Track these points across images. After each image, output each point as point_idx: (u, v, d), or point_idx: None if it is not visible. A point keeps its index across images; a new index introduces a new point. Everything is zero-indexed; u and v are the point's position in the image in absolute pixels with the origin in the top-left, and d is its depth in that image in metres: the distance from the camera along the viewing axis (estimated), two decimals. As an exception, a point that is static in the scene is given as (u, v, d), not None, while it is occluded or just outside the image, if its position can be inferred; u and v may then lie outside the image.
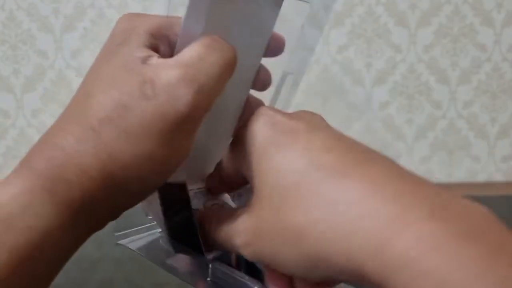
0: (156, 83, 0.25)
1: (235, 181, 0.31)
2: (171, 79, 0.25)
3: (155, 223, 0.36)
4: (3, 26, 0.89)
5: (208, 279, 0.32)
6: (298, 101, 0.92)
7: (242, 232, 0.27)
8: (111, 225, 0.75)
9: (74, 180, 0.25)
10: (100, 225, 0.29)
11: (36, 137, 0.93)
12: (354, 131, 0.93)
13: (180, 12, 0.28)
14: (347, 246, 0.22)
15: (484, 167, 0.95)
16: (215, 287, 0.31)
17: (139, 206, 0.32)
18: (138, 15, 0.30)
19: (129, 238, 0.35)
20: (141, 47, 0.27)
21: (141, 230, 0.36)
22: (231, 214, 0.29)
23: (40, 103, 0.92)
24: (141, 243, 0.35)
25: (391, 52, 0.90)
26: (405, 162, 0.77)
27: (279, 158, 0.26)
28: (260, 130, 0.28)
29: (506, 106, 0.93)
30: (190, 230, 0.32)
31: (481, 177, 0.95)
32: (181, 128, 0.26)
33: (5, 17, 0.89)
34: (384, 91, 0.92)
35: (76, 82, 0.91)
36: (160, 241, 0.36)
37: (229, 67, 0.27)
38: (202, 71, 0.26)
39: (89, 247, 0.63)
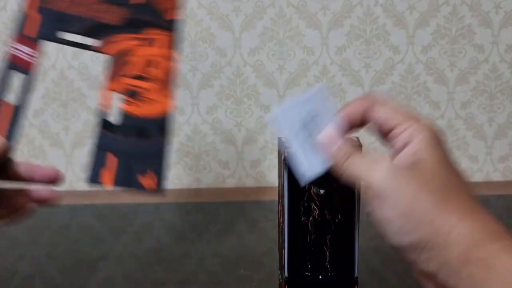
0: None
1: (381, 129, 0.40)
2: None
3: None
4: (5, 27, 0.90)
5: None
6: (297, 102, 0.92)
7: (386, 169, 0.36)
8: (109, 224, 0.76)
9: None
10: None
11: (37, 137, 0.94)
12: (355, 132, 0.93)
13: None
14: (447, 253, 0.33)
15: (481, 167, 0.96)
16: None
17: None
18: None
19: None
20: None
21: None
22: (370, 156, 0.38)
23: (41, 103, 0.93)
24: None
25: (390, 53, 0.91)
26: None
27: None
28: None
29: (504, 107, 0.93)
30: None
31: (478, 177, 0.96)
32: None
33: (7, 17, 0.90)
34: (382, 91, 0.92)
35: (77, 82, 0.91)
36: None
37: None
38: None
39: (89, 247, 0.64)
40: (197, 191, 0.93)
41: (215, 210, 0.80)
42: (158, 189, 0.49)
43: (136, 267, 0.58)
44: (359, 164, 0.38)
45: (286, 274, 0.48)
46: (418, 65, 0.91)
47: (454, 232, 0.33)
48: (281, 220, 0.49)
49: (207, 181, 0.95)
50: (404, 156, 0.37)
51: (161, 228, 0.72)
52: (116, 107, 0.51)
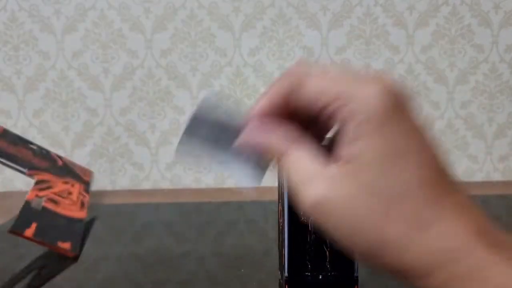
0: None
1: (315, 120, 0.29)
2: None
3: None
4: (5, 27, 0.90)
5: None
6: (297, 102, 0.92)
7: (326, 178, 0.27)
8: (106, 223, 0.75)
9: None
10: None
11: (37, 137, 0.94)
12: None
13: None
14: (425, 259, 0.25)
15: (481, 166, 0.96)
16: None
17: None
18: None
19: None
20: None
21: None
22: (312, 160, 0.28)
23: (41, 103, 0.93)
24: None
25: (389, 53, 0.91)
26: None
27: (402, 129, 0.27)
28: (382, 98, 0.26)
29: (504, 106, 0.94)
30: None
31: (478, 177, 0.96)
32: None
33: (7, 18, 0.90)
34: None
35: (77, 82, 0.91)
36: None
37: None
38: None
39: (89, 247, 0.64)
40: (197, 191, 0.93)
41: (215, 210, 0.80)
42: (73, 252, 0.61)
43: (136, 267, 0.58)
44: (290, 173, 0.29)
45: (286, 274, 0.48)
46: (417, 65, 0.92)
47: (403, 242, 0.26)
48: (281, 220, 0.49)
49: (207, 181, 0.95)
50: (340, 153, 0.27)
51: (161, 228, 0.72)
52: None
